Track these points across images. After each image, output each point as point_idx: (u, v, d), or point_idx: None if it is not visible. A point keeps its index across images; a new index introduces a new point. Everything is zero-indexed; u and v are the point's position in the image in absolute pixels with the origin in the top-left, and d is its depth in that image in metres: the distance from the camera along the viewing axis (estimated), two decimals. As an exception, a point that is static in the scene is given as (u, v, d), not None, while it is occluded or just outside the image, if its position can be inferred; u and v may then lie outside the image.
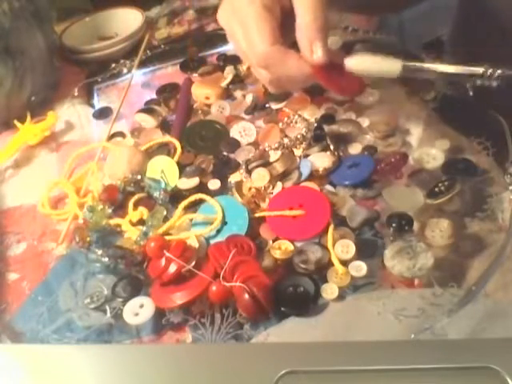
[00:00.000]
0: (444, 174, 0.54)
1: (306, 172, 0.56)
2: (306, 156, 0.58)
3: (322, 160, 0.57)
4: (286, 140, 0.60)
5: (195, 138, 0.64)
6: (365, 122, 0.62)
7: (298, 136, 0.60)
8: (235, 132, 0.64)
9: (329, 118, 0.62)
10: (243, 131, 0.64)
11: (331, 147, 0.58)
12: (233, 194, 0.57)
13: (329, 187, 0.55)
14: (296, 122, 0.62)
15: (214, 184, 0.58)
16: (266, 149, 0.59)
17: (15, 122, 0.70)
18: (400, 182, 0.55)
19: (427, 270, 0.46)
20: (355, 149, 0.59)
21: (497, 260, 0.46)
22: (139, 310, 0.47)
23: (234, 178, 0.58)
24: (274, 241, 0.51)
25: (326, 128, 0.60)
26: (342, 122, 0.62)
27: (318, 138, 0.59)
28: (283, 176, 0.56)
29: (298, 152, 0.59)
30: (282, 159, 0.57)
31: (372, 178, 0.55)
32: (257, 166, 0.57)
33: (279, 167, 0.56)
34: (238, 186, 0.57)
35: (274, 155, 0.58)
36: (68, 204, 0.60)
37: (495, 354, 0.35)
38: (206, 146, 0.63)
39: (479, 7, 0.68)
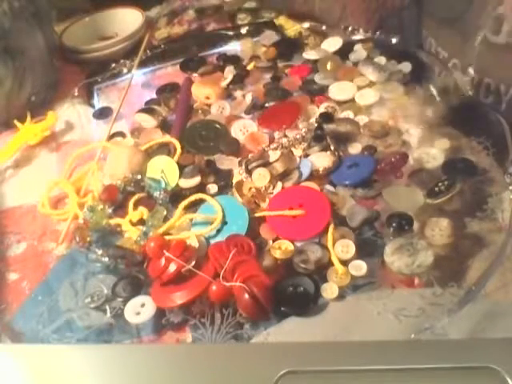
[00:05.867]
0: (444, 173, 0.54)
1: (306, 172, 0.56)
2: (306, 156, 0.58)
3: (322, 160, 0.57)
4: (285, 140, 0.60)
5: (195, 137, 0.64)
6: (363, 121, 0.62)
7: (298, 136, 0.60)
8: (236, 129, 0.64)
9: (327, 117, 0.62)
10: (243, 128, 0.64)
11: (331, 147, 0.58)
12: (233, 194, 0.57)
13: (329, 187, 0.55)
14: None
15: (213, 185, 0.58)
16: (266, 149, 0.60)
17: (15, 121, 0.70)
18: (400, 182, 0.55)
19: (426, 268, 0.47)
20: (355, 149, 0.59)
21: (497, 260, 0.46)
22: (140, 309, 0.48)
23: (234, 178, 0.58)
24: (273, 241, 0.51)
25: (326, 127, 0.60)
26: (340, 120, 0.62)
27: (317, 137, 0.59)
28: (283, 176, 0.56)
29: (297, 152, 0.59)
30: (281, 159, 0.57)
31: (372, 177, 0.55)
32: (257, 166, 0.57)
33: (279, 167, 0.56)
34: (238, 186, 0.57)
35: (273, 155, 0.58)
36: (68, 204, 0.60)
37: (495, 354, 0.35)
38: (205, 146, 0.63)
39: None
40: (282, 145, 0.59)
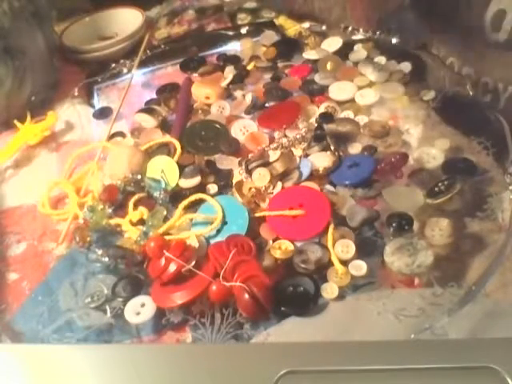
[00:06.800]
0: (444, 173, 0.54)
1: (306, 172, 0.56)
2: (306, 156, 0.58)
3: (322, 160, 0.57)
4: (285, 140, 0.60)
5: (195, 138, 0.64)
6: (363, 121, 0.62)
7: (298, 136, 0.60)
8: (236, 129, 0.64)
9: (327, 117, 0.62)
10: (243, 128, 0.64)
11: (331, 147, 0.58)
12: (233, 194, 0.57)
13: (329, 187, 0.55)
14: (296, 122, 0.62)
15: (213, 185, 0.58)
16: (266, 149, 0.60)
17: (15, 121, 0.70)
18: (400, 182, 0.55)
19: (426, 268, 0.47)
20: (355, 149, 0.59)
21: (497, 260, 0.46)
22: (140, 309, 0.47)
23: (234, 178, 0.58)
24: (274, 241, 0.51)
25: (326, 127, 0.60)
26: (340, 120, 0.62)
27: (318, 137, 0.59)
28: (283, 176, 0.56)
29: (297, 152, 0.59)
30: (281, 159, 0.57)
31: (372, 177, 0.55)
32: (257, 166, 0.57)
33: (279, 167, 0.56)
34: (238, 186, 0.57)
35: (273, 155, 0.58)
36: (68, 204, 0.60)
37: (495, 354, 0.35)
38: (205, 146, 0.63)
39: None
40: (282, 145, 0.59)
